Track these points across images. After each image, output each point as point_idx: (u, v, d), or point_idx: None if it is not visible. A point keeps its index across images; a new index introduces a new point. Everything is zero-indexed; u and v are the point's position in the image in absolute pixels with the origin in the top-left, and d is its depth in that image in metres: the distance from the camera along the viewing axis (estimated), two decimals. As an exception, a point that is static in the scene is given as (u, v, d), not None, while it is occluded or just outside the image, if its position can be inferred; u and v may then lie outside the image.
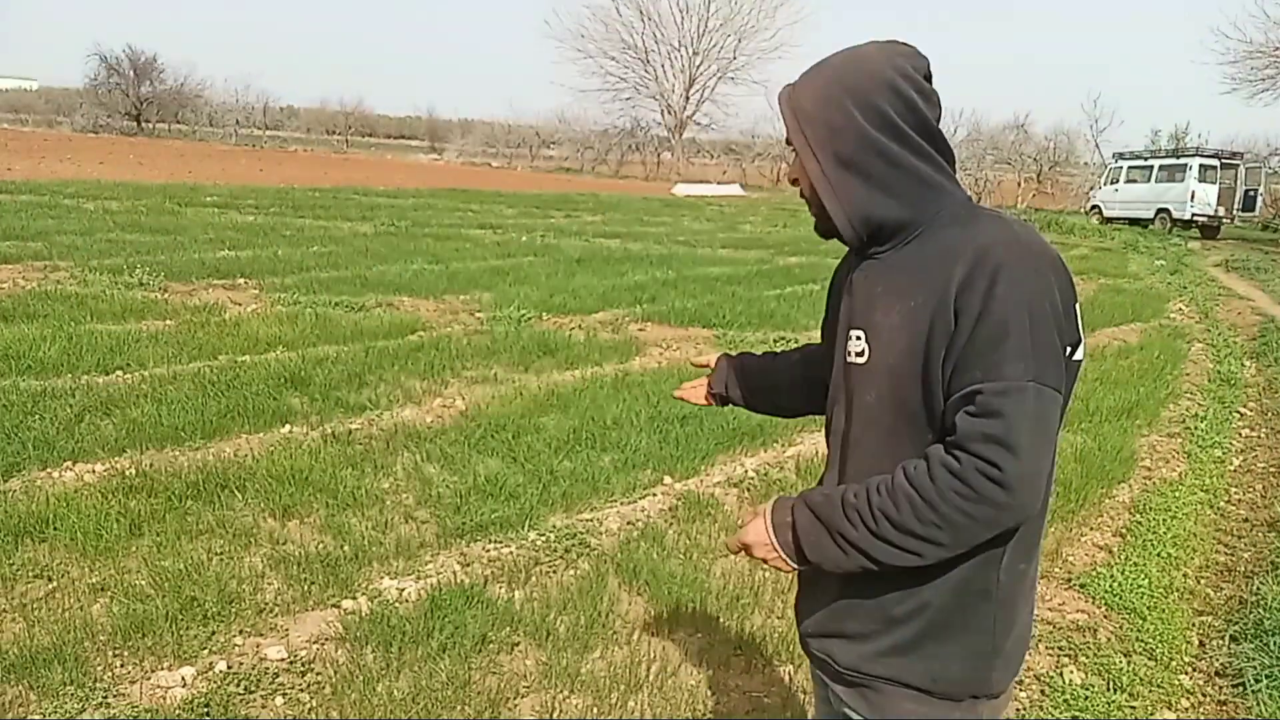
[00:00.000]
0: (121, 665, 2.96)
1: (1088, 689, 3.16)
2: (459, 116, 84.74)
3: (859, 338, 1.44)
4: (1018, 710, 3.03)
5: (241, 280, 9.63)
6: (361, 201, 20.74)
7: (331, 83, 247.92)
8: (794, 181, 1.52)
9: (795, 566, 1.46)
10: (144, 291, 8.62)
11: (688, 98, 53.70)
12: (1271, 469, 5.76)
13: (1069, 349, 1.33)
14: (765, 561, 1.48)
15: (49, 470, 4.35)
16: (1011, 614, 1.44)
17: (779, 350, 2.00)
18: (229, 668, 2.96)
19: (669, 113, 53.80)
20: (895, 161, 1.40)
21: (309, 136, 75.34)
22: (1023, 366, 1.26)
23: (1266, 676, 3.20)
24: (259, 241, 12.62)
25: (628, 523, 4.23)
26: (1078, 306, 1.37)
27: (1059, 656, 3.38)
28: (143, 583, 3.40)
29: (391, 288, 9.69)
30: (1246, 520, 4.90)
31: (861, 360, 1.43)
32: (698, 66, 53.30)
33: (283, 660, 3.02)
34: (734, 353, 2.03)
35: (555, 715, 2.86)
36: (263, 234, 13.44)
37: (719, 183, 43.59)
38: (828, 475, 1.58)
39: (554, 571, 3.74)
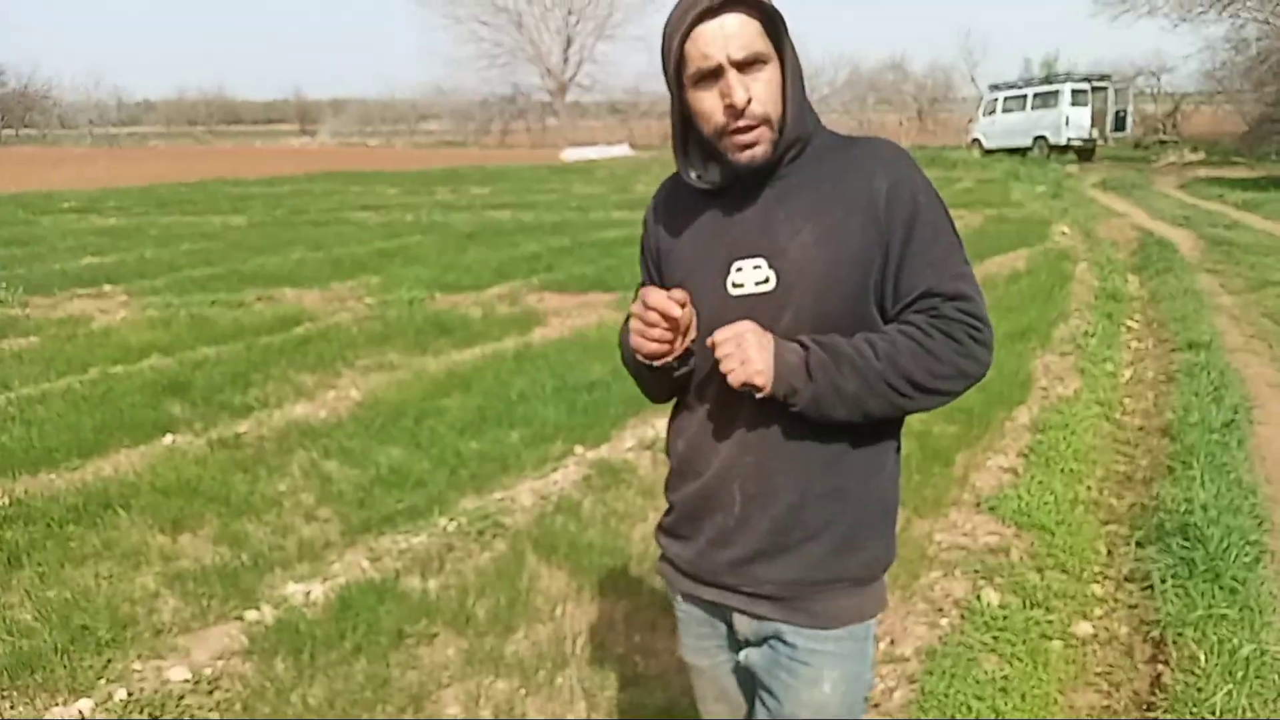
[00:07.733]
0: (11, 706, 2.76)
1: (1005, 608, 3.22)
2: (329, 95, 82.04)
3: (757, 267, 1.44)
4: (940, 637, 3.07)
5: (108, 287, 9.18)
6: (232, 193, 19.94)
7: (188, 70, 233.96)
8: (729, 107, 1.37)
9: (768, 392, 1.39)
10: (2, 309, 8.12)
11: (566, 59, 53.09)
12: (1161, 378, 6.00)
13: None
14: (736, 378, 1.37)
15: (-92, 509, 4.02)
16: (898, 488, 1.58)
17: None
18: (130, 695, 2.78)
19: (549, 76, 53.08)
20: (805, 79, 1.48)
21: (170, 130, 72.09)
22: (960, 255, 1.46)
23: (1171, 576, 3.31)
24: (124, 245, 12.07)
25: (541, 497, 4.13)
26: None
27: (975, 579, 3.44)
28: (27, 617, 3.20)
29: (271, 280, 9.34)
30: (1141, 429, 5.09)
31: (767, 287, 1.43)
32: (574, 26, 52.67)
33: (187, 681, 2.86)
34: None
35: (481, 700, 2.77)
36: (127, 236, 12.87)
37: (607, 145, 43.26)
38: (697, 413, 1.54)
39: (469, 556, 3.63)
